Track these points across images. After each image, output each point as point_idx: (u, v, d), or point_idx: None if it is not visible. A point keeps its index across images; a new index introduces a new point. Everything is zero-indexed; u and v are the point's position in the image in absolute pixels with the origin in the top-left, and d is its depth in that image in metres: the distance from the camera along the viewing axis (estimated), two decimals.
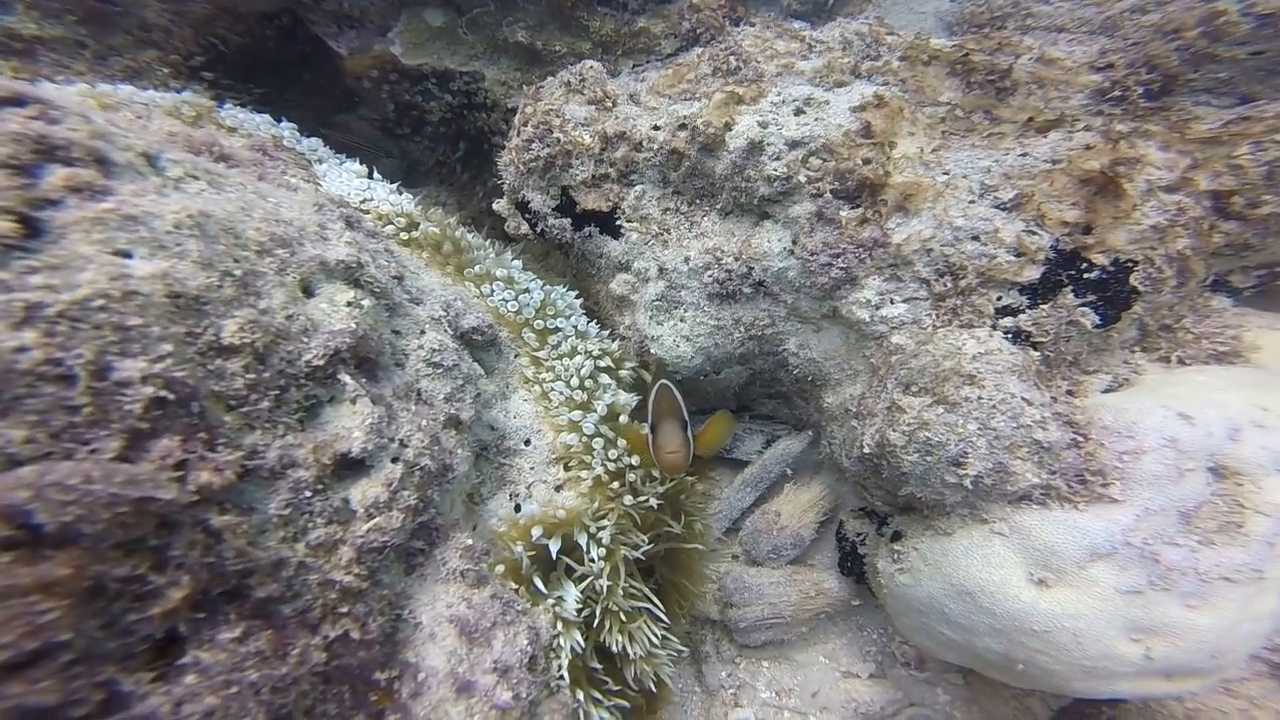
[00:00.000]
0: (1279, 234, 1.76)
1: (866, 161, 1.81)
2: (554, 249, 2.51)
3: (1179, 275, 1.57)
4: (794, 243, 1.95)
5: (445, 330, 1.44)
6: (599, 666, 1.55)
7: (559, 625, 1.43)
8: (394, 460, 1.08)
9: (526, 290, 1.90)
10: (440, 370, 1.34)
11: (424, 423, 1.18)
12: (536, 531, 1.47)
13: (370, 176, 2.11)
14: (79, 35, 2.30)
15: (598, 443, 1.64)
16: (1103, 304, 1.53)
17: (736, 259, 2.06)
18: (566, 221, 2.32)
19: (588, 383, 1.74)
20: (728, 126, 2.03)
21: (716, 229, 2.16)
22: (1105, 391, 1.54)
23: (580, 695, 1.43)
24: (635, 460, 1.70)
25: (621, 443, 1.71)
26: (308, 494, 0.93)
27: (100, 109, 1.56)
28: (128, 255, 0.82)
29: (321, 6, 2.71)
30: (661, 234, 2.24)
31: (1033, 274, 1.57)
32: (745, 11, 2.75)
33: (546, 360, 1.78)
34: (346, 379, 1.05)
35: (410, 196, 2.02)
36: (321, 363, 1.01)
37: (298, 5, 2.70)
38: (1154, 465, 1.34)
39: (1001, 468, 1.37)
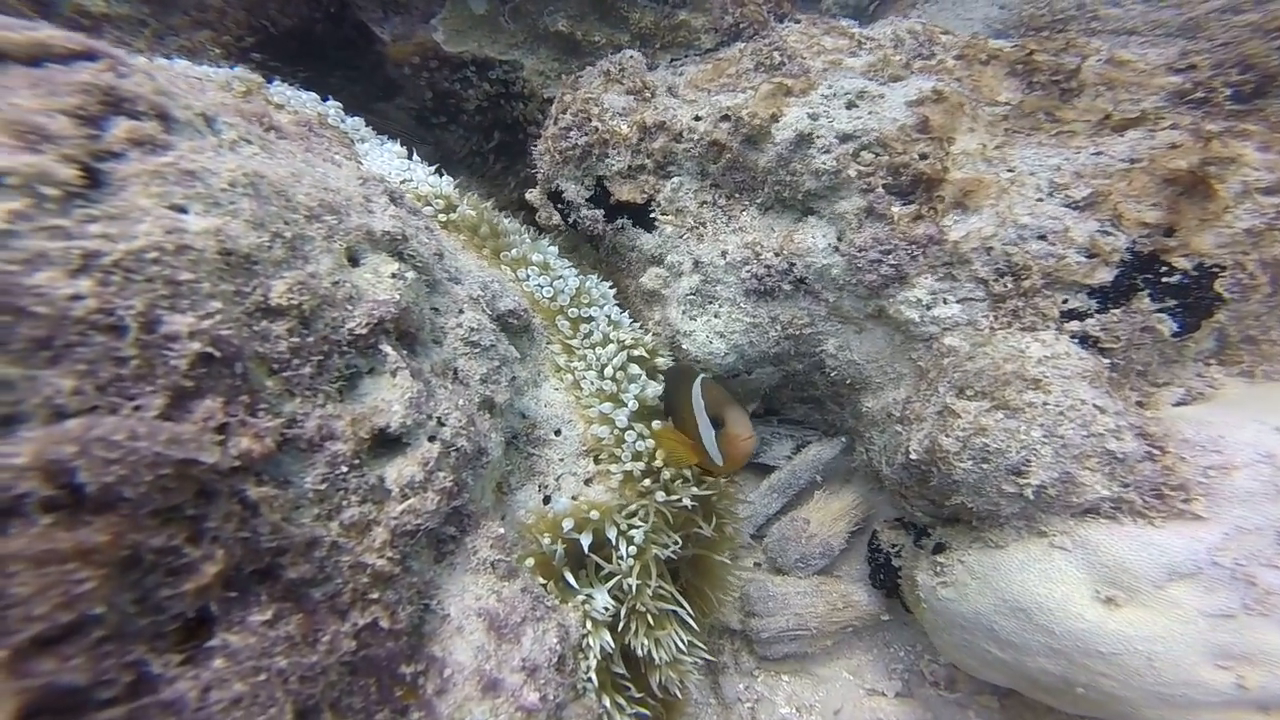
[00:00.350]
0: None
1: (923, 156, 1.74)
2: (584, 241, 2.47)
3: (1274, 283, 1.48)
4: (839, 239, 1.88)
5: (483, 310, 1.39)
6: (623, 671, 1.49)
7: (588, 624, 1.37)
8: (431, 439, 1.03)
9: (561, 277, 1.85)
10: (478, 350, 1.29)
11: (461, 402, 1.13)
12: (568, 524, 1.41)
13: (410, 158, 2.08)
14: (142, 14, 2.39)
15: (629, 435, 1.57)
16: (1182, 310, 1.45)
17: (777, 254, 1.99)
18: (599, 213, 2.27)
19: (619, 374, 1.68)
20: (774, 118, 1.97)
21: (755, 224, 2.10)
22: (1177, 405, 1.46)
23: (606, 701, 1.36)
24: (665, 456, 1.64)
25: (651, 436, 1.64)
26: (344, 469, 0.87)
27: None
28: (183, 210, 0.78)
29: None
30: (697, 228, 2.18)
31: (1105, 276, 1.49)
32: (791, 8, 2.69)
33: (579, 349, 1.73)
34: (388, 350, 1.00)
35: (449, 179, 1.99)
36: (364, 331, 0.96)
37: None
38: (1247, 482, 1.24)
39: (1068, 478, 1.29)
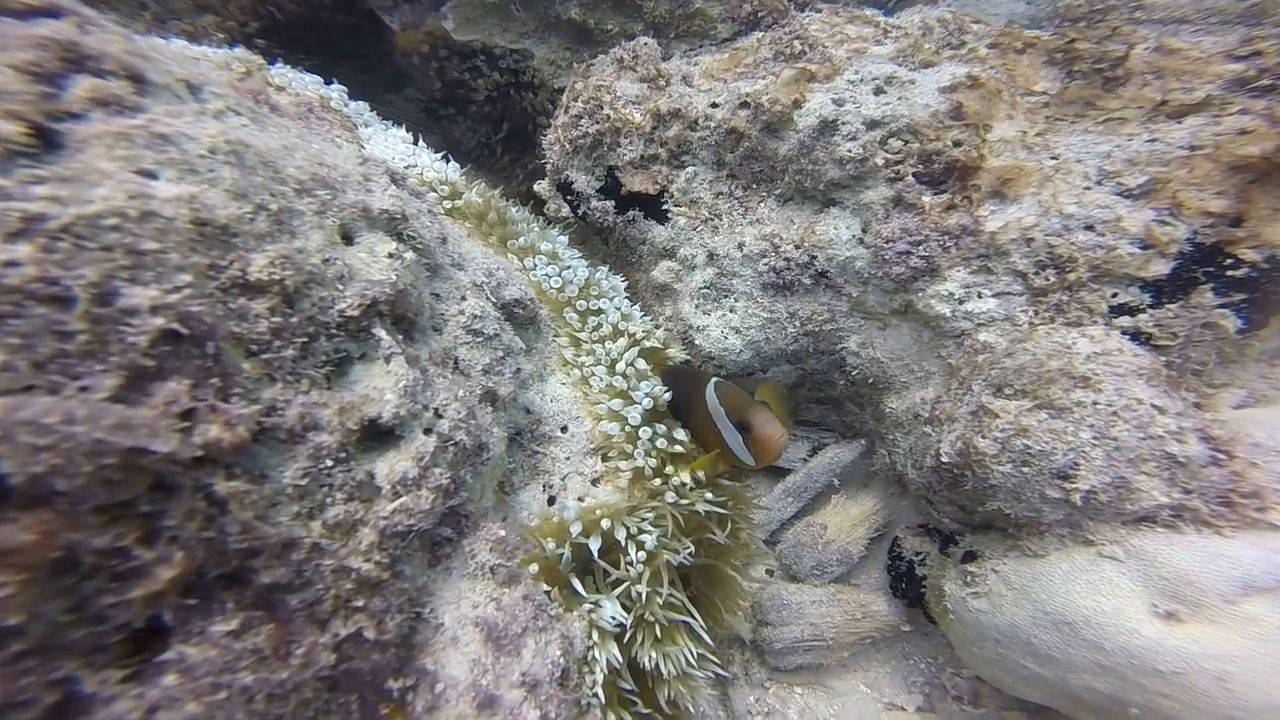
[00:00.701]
0: None
1: (957, 144, 1.64)
2: (594, 234, 2.39)
3: None
4: (864, 230, 1.79)
5: (487, 298, 1.31)
6: (629, 686, 1.39)
7: (594, 635, 1.27)
8: (427, 431, 0.94)
9: (570, 267, 1.76)
10: (480, 339, 1.21)
11: (460, 393, 1.04)
12: (576, 528, 1.32)
13: (416, 144, 2.00)
14: None
15: (644, 432, 1.48)
16: (1248, 306, 1.34)
17: (797, 246, 1.90)
18: (610, 204, 2.19)
19: (629, 370, 1.59)
20: (796, 104, 1.87)
21: (774, 216, 2.01)
22: (1238, 407, 1.35)
23: (613, 719, 1.27)
24: (680, 448, 1.54)
25: (670, 432, 1.55)
26: (329, 463, 0.79)
27: None
28: (153, 175, 0.70)
29: None
30: (712, 219, 2.09)
31: (1160, 269, 1.39)
32: None
33: (587, 342, 1.64)
34: (382, 334, 0.92)
35: (456, 165, 1.91)
36: (356, 313, 0.88)
37: None
38: None
39: (1122, 483, 1.18)
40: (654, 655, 1.38)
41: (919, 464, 1.62)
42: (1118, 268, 1.42)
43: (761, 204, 2.06)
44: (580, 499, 1.45)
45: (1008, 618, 1.38)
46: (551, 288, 1.68)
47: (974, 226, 1.59)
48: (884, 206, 1.74)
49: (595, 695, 1.25)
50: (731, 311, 2.01)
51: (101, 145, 0.68)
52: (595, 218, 2.22)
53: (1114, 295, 1.43)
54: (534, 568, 1.29)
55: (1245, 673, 1.11)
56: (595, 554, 1.34)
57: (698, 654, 1.49)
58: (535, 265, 1.71)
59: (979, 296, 1.57)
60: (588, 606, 1.32)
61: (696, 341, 2.03)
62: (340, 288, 0.87)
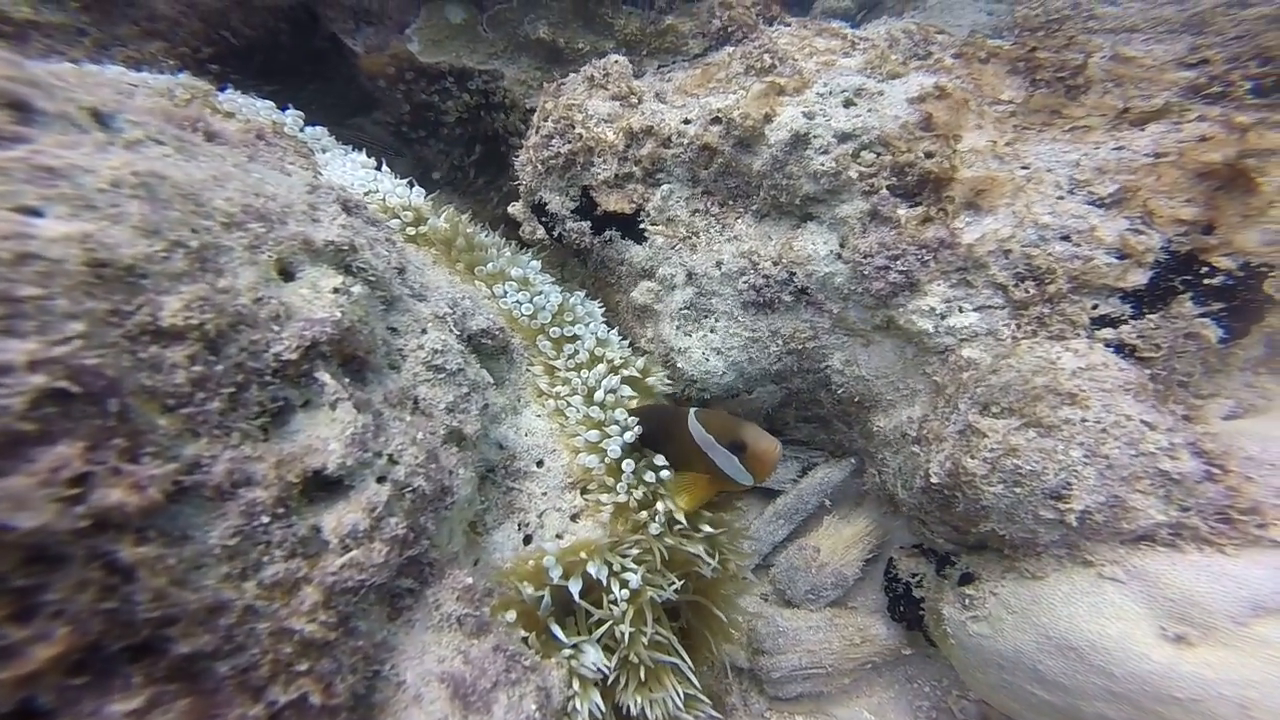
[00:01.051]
0: None
1: (929, 155, 1.62)
2: (571, 256, 2.34)
3: None
4: (842, 245, 1.75)
5: (450, 330, 1.25)
6: None
7: (575, 684, 1.20)
8: (380, 480, 0.87)
9: (542, 293, 1.71)
10: (442, 375, 1.14)
11: (420, 435, 0.98)
12: (555, 572, 1.25)
13: (378, 168, 1.94)
14: (80, 23, 2.18)
15: (627, 465, 1.42)
16: (1228, 314, 1.31)
17: (775, 263, 1.86)
18: (586, 225, 2.14)
19: (609, 398, 1.52)
20: (767, 119, 1.85)
21: (751, 233, 1.97)
22: (1227, 419, 1.31)
23: None
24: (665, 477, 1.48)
25: (652, 460, 1.49)
26: (265, 519, 0.72)
27: None
28: (37, 213, 0.64)
29: (339, 1, 2.60)
30: (690, 238, 2.06)
31: (1139, 278, 1.36)
32: (780, 11, 2.60)
33: (563, 371, 1.57)
34: (326, 378, 0.85)
35: (421, 191, 1.86)
36: (294, 356, 0.82)
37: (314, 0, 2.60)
38: None
39: (1117, 502, 1.13)
40: (638, 700, 1.31)
41: (909, 484, 1.57)
42: (1096, 278, 1.39)
43: (739, 220, 2.02)
44: (559, 536, 1.38)
45: (1010, 642, 1.32)
46: (523, 315, 1.62)
47: (951, 239, 1.55)
48: (860, 220, 1.71)
49: None
50: (712, 332, 1.96)
51: None
52: (572, 239, 2.17)
53: (1094, 307, 1.40)
54: (511, 614, 1.22)
55: (1268, 699, 1.05)
56: (576, 596, 1.27)
57: (686, 695, 1.41)
58: (505, 292, 1.65)
59: (960, 311, 1.53)
60: (567, 653, 1.24)
61: (678, 364, 1.97)
62: (276, 329, 0.81)
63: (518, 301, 1.63)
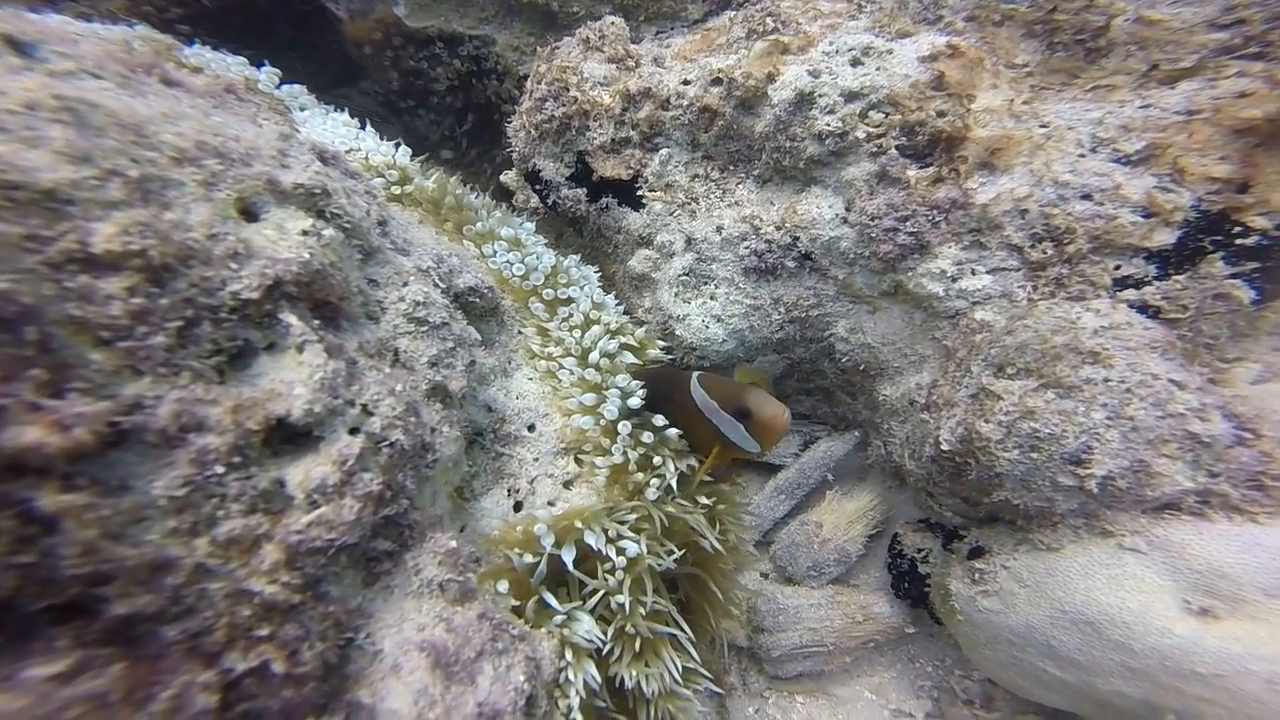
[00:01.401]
0: None
1: (941, 114, 1.54)
2: (567, 226, 2.26)
3: None
4: (848, 208, 1.68)
5: (435, 284, 1.17)
6: (605, 704, 1.26)
7: (568, 654, 1.14)
8: (353, 431, 0.81)
9: (535, 254, 1.63)
10: (425, 329, 1.07)
11: (399, 388, 0.91)
12: (548, 540, 1.18)
13: (362, 129, 1.85)
14: None
15: (623, 427, 1.34)
16: (1261, 275, 1.24)
17: (778, 228, 1.79)
18: (581, 192, 2.06)
19: (603, 362, 1.45)
20: (770, 78, 1.76)
21: (753, 198, 1.89)
22: (1254, 383, 1.24)
23: None
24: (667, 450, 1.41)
25: (650, 421, 1.41)
26: (219, 470, 0.65)
27: None
28: None
29: None
30: (689, 204, 1.98)
31: (1165, 238, 1.28)
32: None
33: (556, 333, 1.50)
34: (291, 319, 0.78)
35: (407, 150, 1.77)
36: (255, 295, 0.75)
37: None
38: None
39: (1142, 467, 1.07)
40: (633, 673, 1.25)
41: (917, 454, 1.50)
42: (1120, 238, 1.31)
43: (740, 186, 1.94)
44: (550, 503, 1.32)
45: (1022, 617, 1.27)
46: (514, 275, 1.55)
47: (964, 199, 1.48)
48: (867, 183, 1.63)
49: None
50: (712, 299, 1.89)
51: None
52: (566, 207, 2.09)
53: (1117, 267, 1.33)
54: (504, 584, 1.16)
55: None
56: (569, 565, 1.21)
57: (685, 669, 1.35)
58: (495, 251, 1.57)
59: (973, 273, 1.46)
60: (559, 619, 1.18)
61: (677, 332, 1.90)
62: (234, 267, 0.73)
63: (508, 262, 1.55)
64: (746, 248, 1.82)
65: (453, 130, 2.88)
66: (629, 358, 1.55)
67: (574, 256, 1.85)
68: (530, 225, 1.81)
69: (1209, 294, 1.26)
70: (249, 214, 0.84)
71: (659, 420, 1.42)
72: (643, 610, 1.26)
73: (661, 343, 1.81)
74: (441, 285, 1.20)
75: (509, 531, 1.20)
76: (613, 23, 2.22)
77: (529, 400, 1.39)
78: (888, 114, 1.64)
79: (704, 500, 1.41)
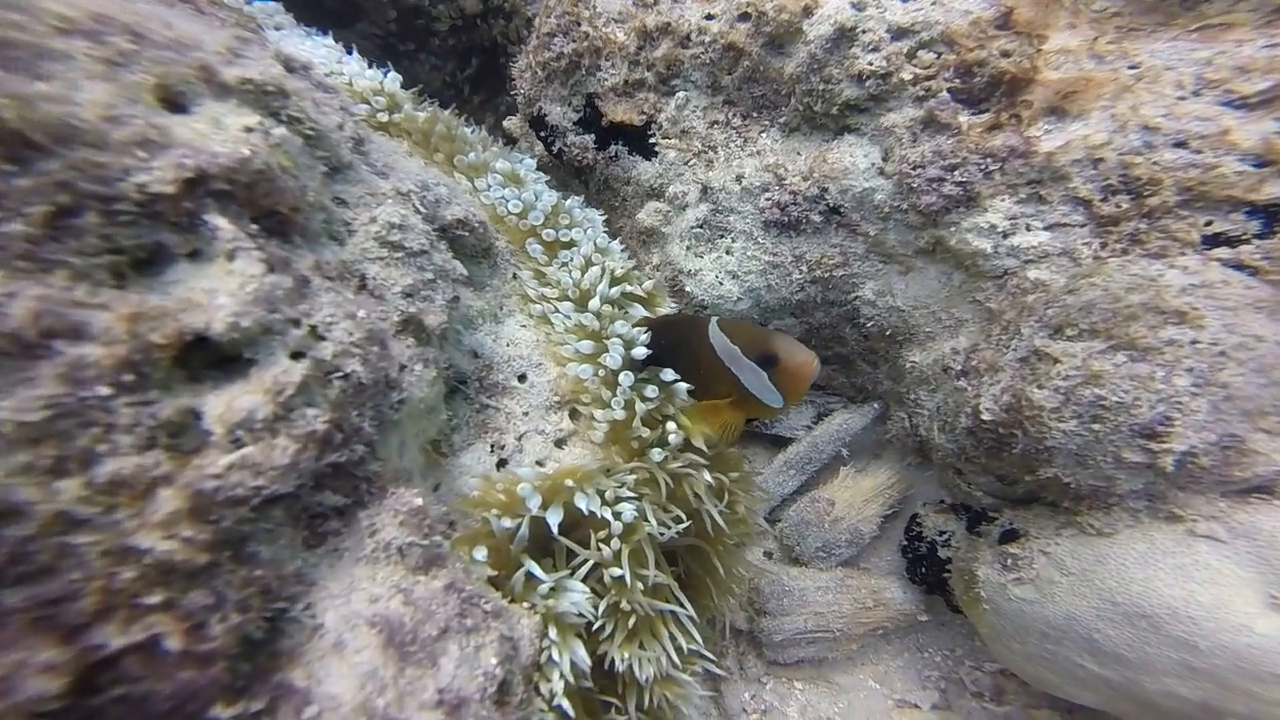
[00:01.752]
0: None
1: (1005, 54, 1.35)
2: (573, 177, 2.10)
3: None
4: (886, 158, 1.50)
5: (416, 210, 1.02)
6: (592, 685, 1.13)
7: (552, 631, 1.01)
8: (295, 356, 0.66)
9: (534, 192, 1.46)
10: (400, 255, 0.92)
11: (361, 314, 0.77)
12: (534, 502, 1.05)
13: (348, 54, 1.68)
14: None
15: (625, 377, 1.19)
16: None
17: (805, 178, 1.61)
18: (589, 138, 1.90)
19: (604, 309, 1.29)
20: (807, 11, 1.57)
21: (777, 148, 1.72)
22: None
23: None
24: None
25: (659, 380, 1.26)
26: (102, 391, 0.52)
27: None
28: None
29: None
30: (706, 152, 1.80)
31: (1277, 191, 1.10)
32: None
33: (553, 276, 1.34)
34: (220, 221, 0.64)
35: (397, 76, 1.60)
36: (170, 190, 0.60)
37: None
38: None
39: (1233, 442, 0.91)
40: (625, 655, 1.12)
41: (949, 425, 1.35)
42: (1218, 189, 1.13)
43: (763, 134, 1.77)
44: (539, 463, 1.18)
45: (1062, 608, 1.13)
46: (510, 213, 1.39)
47: (1024, 148, 1.30)
48: (910, 129, 1.45)
49: (558, 708, 0.99)
50: (728, 253, 1.73)
51: None
52: (573, 154, 1.93)
53: (1208, 223, 1.15)
54: (481, 551, 1.03)
55: None
56: (554, 529, 1.07)
57: (688, 650, 1.22)
58: (490, 185, 1.41)
59: (1028, 229, 1.29)
60: (543, 591, 1.05)
61: (688, 288, 1.75)
62: (143, 155, 0.58)
63: (503, 197, 1.39)
64: (768, 199, 1.65)
65: (455, 75, 2.70)
66: (639, 310, 1.40)
67: (578, 199, 1.69)
68: (531, 161, 1.64)
69: None
70: (173, 104, 0.69)
71: (668, 374, 1.27)
72: (641, 585, 1.13)
73: (668, 302, 1.66)
74: (424, 211, 1.05)
75: (490, 491, 1.06)
76: None
77: (521, 348, 1.24)
78: (940, 54, 1.46)
79: (709, 478, 1.25)
